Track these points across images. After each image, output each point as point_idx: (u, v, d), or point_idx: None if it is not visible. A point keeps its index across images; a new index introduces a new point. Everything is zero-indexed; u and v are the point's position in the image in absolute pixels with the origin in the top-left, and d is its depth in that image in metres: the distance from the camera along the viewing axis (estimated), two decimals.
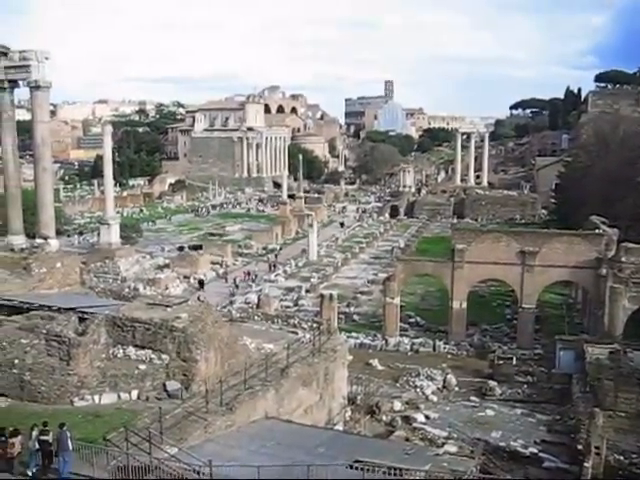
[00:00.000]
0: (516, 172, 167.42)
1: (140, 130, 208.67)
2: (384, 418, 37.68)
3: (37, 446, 21.15)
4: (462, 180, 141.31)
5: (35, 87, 40.63)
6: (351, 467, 21.69)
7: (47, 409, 26.22)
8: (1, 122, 43.15)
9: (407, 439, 33.85)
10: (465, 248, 52.54)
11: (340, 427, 33.79)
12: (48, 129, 43.52)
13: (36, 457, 21.31)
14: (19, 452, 21.25)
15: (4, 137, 43.16)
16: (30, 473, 21.27)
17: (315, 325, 39.01)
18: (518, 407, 40.40)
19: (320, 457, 23.18)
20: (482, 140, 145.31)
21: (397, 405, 39.51)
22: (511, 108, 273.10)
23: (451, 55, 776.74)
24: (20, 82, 41.42)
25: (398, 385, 43.52)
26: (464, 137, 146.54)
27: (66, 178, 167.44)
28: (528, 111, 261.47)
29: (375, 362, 47.33)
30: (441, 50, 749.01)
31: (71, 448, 20.90)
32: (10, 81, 41.09)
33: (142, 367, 28.41)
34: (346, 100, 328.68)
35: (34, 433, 21.30)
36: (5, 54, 40.51)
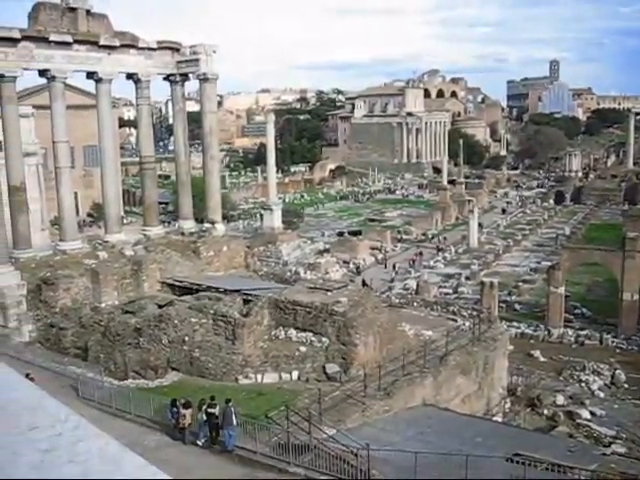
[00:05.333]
0: None
1: (301, 117, 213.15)
2: (545, 412, 36.31)
3: (205, 418, 22.37)
4: (635, 164, 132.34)
5: (204, 79, 42.65)
6: (511, 461, 21.11)
7: (214, 385, 27.61)
8: (174, 113, 45.86)
9: (570, 435, 32.43)
10: (638, 236, 49.36)
11: (499, 418, 33.00)
12: (215, 119, 45.59)
13: (204, 429, 22.55)
14: (190, 423, 22.60)
15: (176, 127, 45.72)
16: (200, 443, 22.56)
17: (475, 313, 38.32)
18: None
19: (478, 448, 22.77)
20: None
21: (560, 399, 37.93)
22: None
23: (624, 28, 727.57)
24: (190, 75, 43.65)
25: (561, 378, 41.75)
26: (638, 117, 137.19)
27: (231, 165, 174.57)
28: None
29: (537, 353, 45.68)
30: (612, 23, 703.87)
31: (235, 423, 21.91)
32: (181, 75, 43.39)
33: (302, 349, 29.16)
34: (508, 82, 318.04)
35: (203, 407, 22.54)
36: (177, 50, 42.83)
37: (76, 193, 46.42)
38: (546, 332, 50.38)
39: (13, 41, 34.44)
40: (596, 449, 27.25)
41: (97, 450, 1.39)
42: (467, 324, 35.57)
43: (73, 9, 37.52)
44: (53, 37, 35.85)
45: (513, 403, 36.31)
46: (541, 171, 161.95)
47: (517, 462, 20.78)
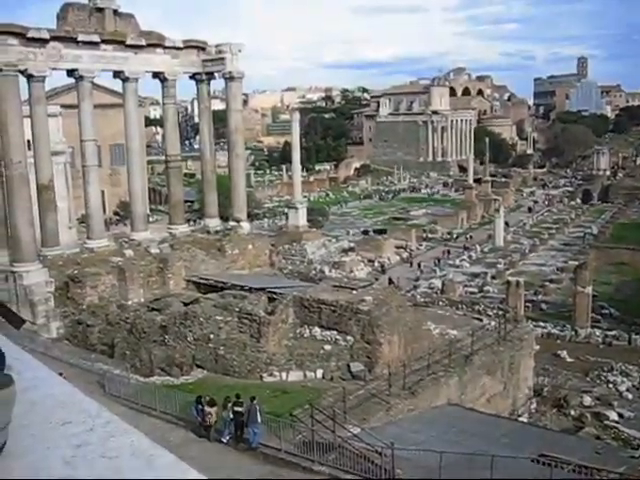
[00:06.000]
0: None
1: (326, 116, 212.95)
2: (572, 413, 35.92)
3: (231, 416, 22.45)
4: None
5: (229, 78, 42.83)
6: (537, 462, 20.92)
7: (238, 382, 27.72)
8: (199, 112, 46.14)
9: (598, 437, 32.03)
10: None
11: (525, 419, 32.76)
12: (241, 117, 45.77)
13: (229, 426, 22.63)
14: (215, 421, 22.71)
15: (202, 126, 46.00)
16: (224, 441, 22.65)
17: (501, 312, 38.07)
18: None
19: (503, 448, 22.60)
20: None
21: (587, 400, 37.49)
22: None
23: None
24: (216, 74, 43.83)
25: (588, 379, 41.27)
26: None
27: (256, 164, 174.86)
28: None
29: (563, 353, 45.21)
30: None
31: (260, 421, 21.97)
32: (207, 73, 43.60)
33: (327, 347, 29.18)
34: (535, 80, 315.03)
35: (229, 404, 22.62)
36: (203, 49, 43.04)
37: (103, 191, 46.88)
38: (573, 332, 49.85)
39: (42, 41, 34.84)
40: (624, 451, 26.95)
41: (128, 446, 1.40)
42: (493, 323, 35.35)
43: (101, 9, 37.87)
44: (81, 37, 36.20)
45: (539, 403, 36.01)
46: (568, 170, 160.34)
47: (543, 463, 20.59)
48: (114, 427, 1.45)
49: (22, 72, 34.73)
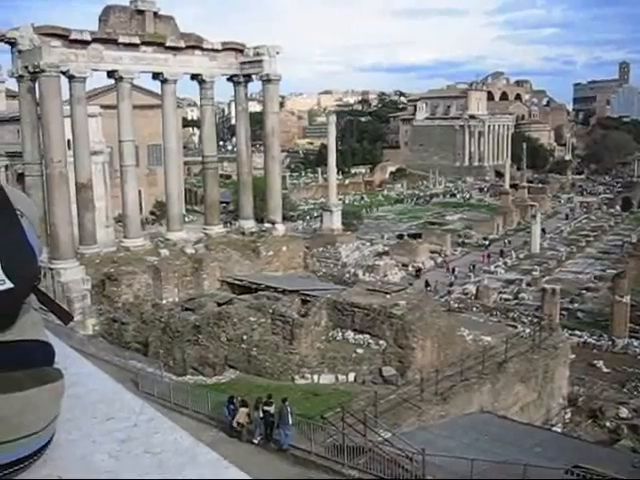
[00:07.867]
0: None
1: (362, 119, 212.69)
2: (608, 424, 35.28)
3: (261, 416, 22.55)
4: None
5: (267, 80, 43.03)
6: (571, 473, 20.62)
7: (270, 384, 27.81)
8: (236, 114, 46.47)
9: (634, 450, 31.40)
10: None
11: (558, 429, 32.29)
12: (277, 120, 45.94)
13: (260, 427, 22.73)
14: (249, 422, 22.83)
15: (238, 128, 46.29)
16: (255, 441, 22.75)
17: (536, 320, 37.64)
18: None
19: (536, 458, 22.32)
20: None
21: (623, 412, 36.79)
22: None
23: None
24: (253, 76, 44.09)
25: (625, 390, 40.52)
26: None
27: (292, 166, 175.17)
28: None
29: (600, 363, 44.47)
30: None
31: (291, 422, 22.03)
32: (245, 75, 43.88)
33: (359, 351, 29.12)
34: (575, 85, 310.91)
35: (260, 404, 22.73)
36: (241, 51, 43.33)
37: (140, 191, 47.38)
38: (610, 342, 49.04)
39: (84, 43, 35.44)
40: None
41: (172, 442, 1.43)
42: (527, 331, 34.93)
43: (141, 11, 38.38)
44: (122, 39, 36.73)
45: (573, 414, 35.47)
46: (607, 176, 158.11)
47: (577, 474, 20.30)
48: (157, 424, 1.48)
49: (64, 73, 35.35)
